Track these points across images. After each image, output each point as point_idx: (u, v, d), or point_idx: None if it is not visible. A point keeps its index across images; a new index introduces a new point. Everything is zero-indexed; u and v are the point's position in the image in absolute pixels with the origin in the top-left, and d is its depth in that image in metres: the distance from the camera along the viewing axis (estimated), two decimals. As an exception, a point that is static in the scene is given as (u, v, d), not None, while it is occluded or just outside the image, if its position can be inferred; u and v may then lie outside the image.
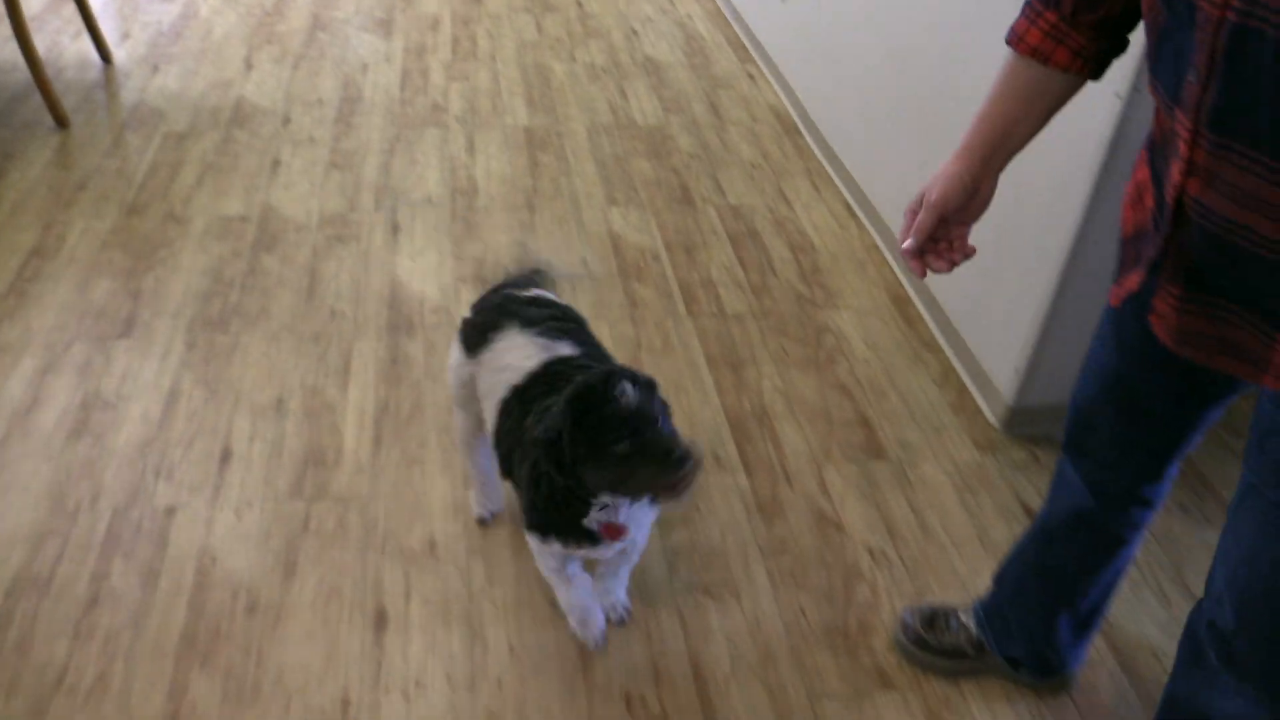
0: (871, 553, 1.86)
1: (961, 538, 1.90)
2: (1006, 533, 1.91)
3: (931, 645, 1.65)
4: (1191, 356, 1.07)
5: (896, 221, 2.59)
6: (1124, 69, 1.64)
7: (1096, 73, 1.13)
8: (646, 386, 1.28)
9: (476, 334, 1.60)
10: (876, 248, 2.68)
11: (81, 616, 1.66)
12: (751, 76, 3.57)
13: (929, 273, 1.19)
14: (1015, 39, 1.12)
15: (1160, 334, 1.09)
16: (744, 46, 3.81)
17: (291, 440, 2.00)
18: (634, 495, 1.32)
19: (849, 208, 2.84)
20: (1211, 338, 1.04)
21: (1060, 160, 1.86)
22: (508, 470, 1.52)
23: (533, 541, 1.50)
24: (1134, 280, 1.09)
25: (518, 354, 1.52)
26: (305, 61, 3.42)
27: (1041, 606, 1.54)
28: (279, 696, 1.56)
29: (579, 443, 1.26)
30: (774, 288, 2.51)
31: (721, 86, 3.48)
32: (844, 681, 1.64)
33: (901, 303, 2.49)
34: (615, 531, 1.40)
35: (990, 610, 1.62)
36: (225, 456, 1.95)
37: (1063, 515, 1.45)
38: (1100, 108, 1.73)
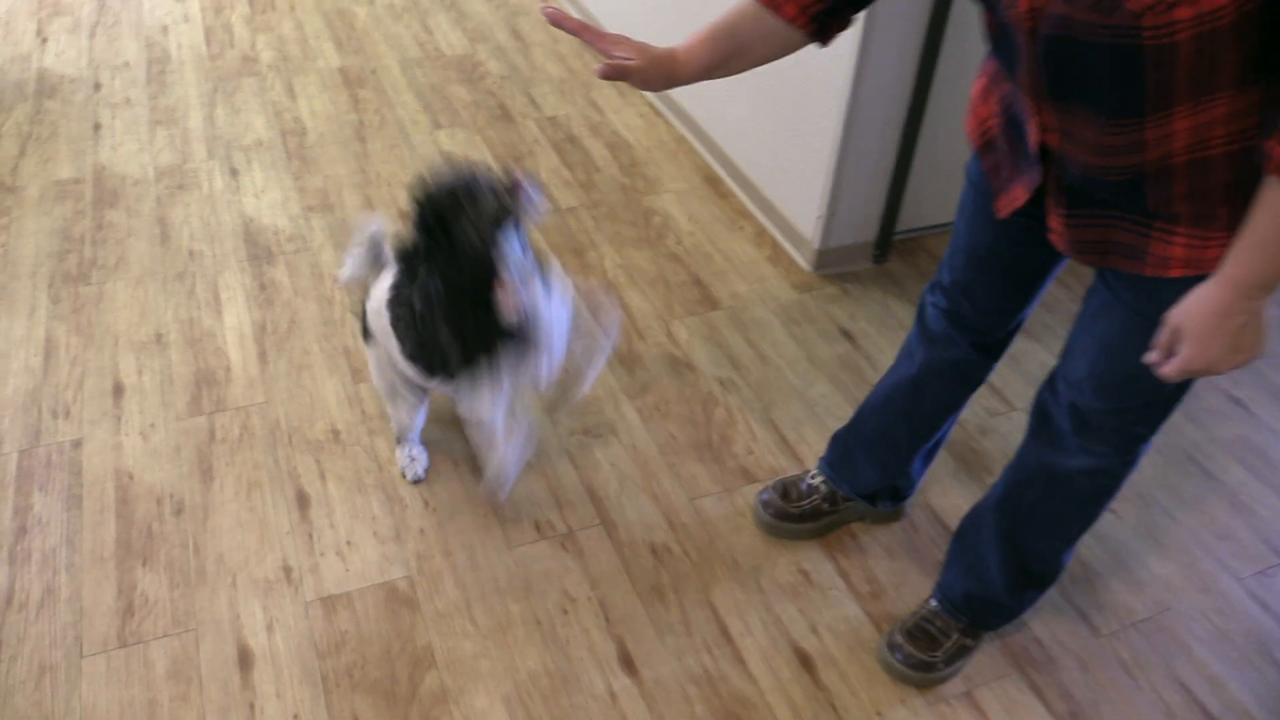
0: (721, 382, 2.16)
1: (792, 358, 2.23)
2: (828, 351, 2.25)
3: (792, 514, 1.83)
4: (1085, 262, 1.23)
5: (699, 116, 2.88)
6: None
7: (822, 38, 1.23)
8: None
9: (363, 323, 1.80)
10: (684, 139, 2.97)
11: (14, 544, 1.76)
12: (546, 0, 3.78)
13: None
14: None
15: (1059, 246, 1.25)
16: (533, -25, 4.00)
17: (179, 367, 2.12)
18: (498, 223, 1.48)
19: (653, 107, 3.11)
20: (1100, 243, 1.20)
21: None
22: (428, 358, 1.65)
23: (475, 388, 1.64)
24: (1019, 198, 1.25)
25: (381, 285, 1.71)
26: (101, 29, 3.40)
27: (904, 445, 1.73)
28: (224, 574, 1.73)
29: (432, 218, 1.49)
30: (600, 183, 2.76)
31: (519, 14, 3.68)
32: (715, 482, 1.94)
33: (713, 181, 2.79)
34: (515, 302, 1.50)
35: (836, 462, 1.82)
36: (118, 390, 2.06)
37: (938, 365, 1.60)
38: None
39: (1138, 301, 1.21)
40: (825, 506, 1.83)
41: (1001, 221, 1.35)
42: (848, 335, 2.30)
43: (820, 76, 2.27)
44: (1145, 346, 1.18)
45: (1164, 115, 1.01)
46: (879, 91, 2.22)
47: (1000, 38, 1.12)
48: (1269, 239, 0.99)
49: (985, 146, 1.32)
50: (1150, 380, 1.21)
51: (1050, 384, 1.41)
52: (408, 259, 1.60)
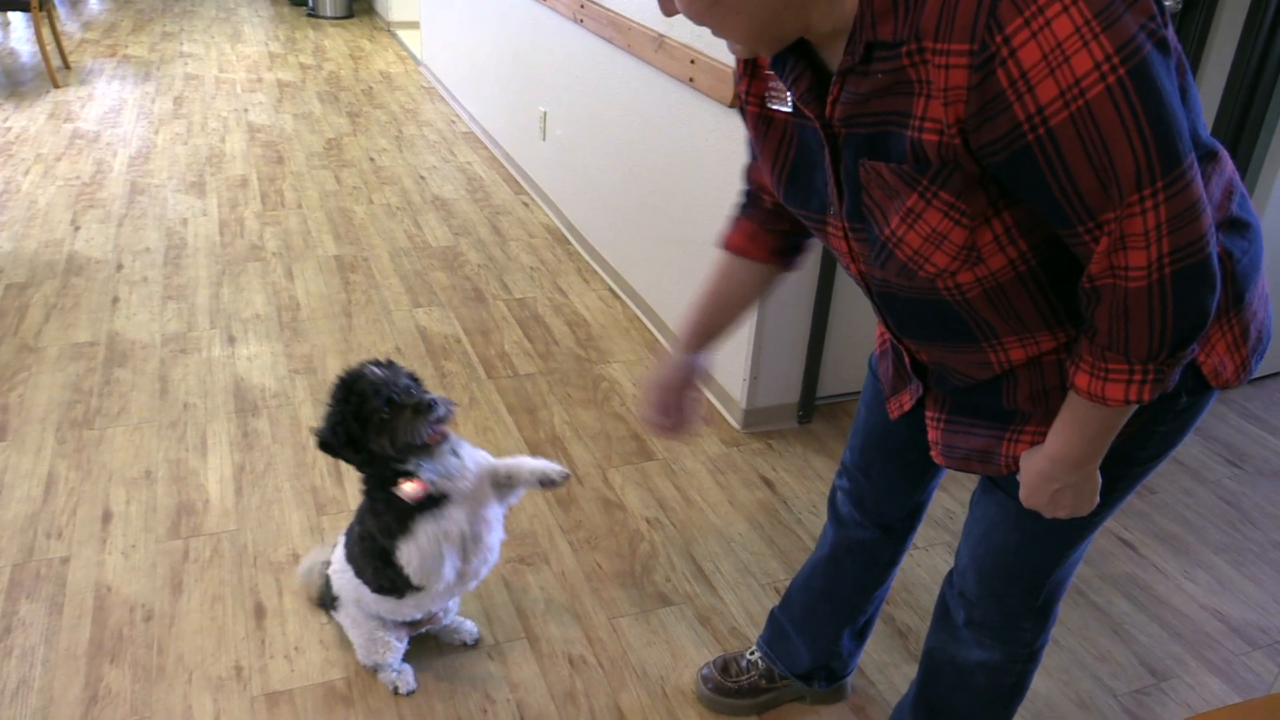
0: (648, 521, 2.40)
1: (715, 502, 2.47)
2: (749, 496, 2.50)
3: (730, 689, 1.88)
4: (955, 468, 1.34)
5: (650, 299, 3.24)
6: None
7: (789, 267, 1.43)
8: (388, 365, 1.68)
9: (328, 599, 1.98)
10: (637, 318, 3.32)
11: (-2, 642, 1.97)
12: (525, 204, 4.25)
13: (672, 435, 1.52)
14: (723, 243, 1.43)
15: (935, 456, 1.35)
16: (517, 181, 4.50)
17: (163, 499, 2.37)
18: (410, 442, 1.63)
19: (613, 291, 3.49)
20: (965, 451, 1.31)
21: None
22: (392, 578, 1.78)
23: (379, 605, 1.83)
24: (906, 403, 1.39)
25: (338, 551, 1.92)
26: (129, 220, 3.84)
27: (830, 624, 1.78)
28: (181, 672, 1.93)
29: (351, 419, 1.62)
30: (557, 354, 3.09)
31: (501, 213, 4.13)
32: (634, 605, 2.15)
33: (659, 352, 3.11)
34: (420, 489, 1.66)
35: (773, 641, 1.88)
36: (106, 517, 2.31)
37: (846, 545, 1.68)
38: (762, 174, 2.45)
39: (1010, 489, 1.31)
40: (763, 683, 1.89)
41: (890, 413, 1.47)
42: (768, 483, 2.55)
43: (741, 258, 2.63)
44: (1018, 533, 1.31)
45: (995, 343, 1.15)
46: (792, 281, 2.57)
47: (873, 298, 1.27)
48: (1073, 430, 1.11)
49: (882, 354, 1.47)
50: (1025, 569, 1.34)
51: (949, 574, 1.51)
52: (326, 445, 1.71)
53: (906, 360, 1.34)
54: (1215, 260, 0.96)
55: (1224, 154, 1.14)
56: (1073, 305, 1.09)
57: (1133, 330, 0.98)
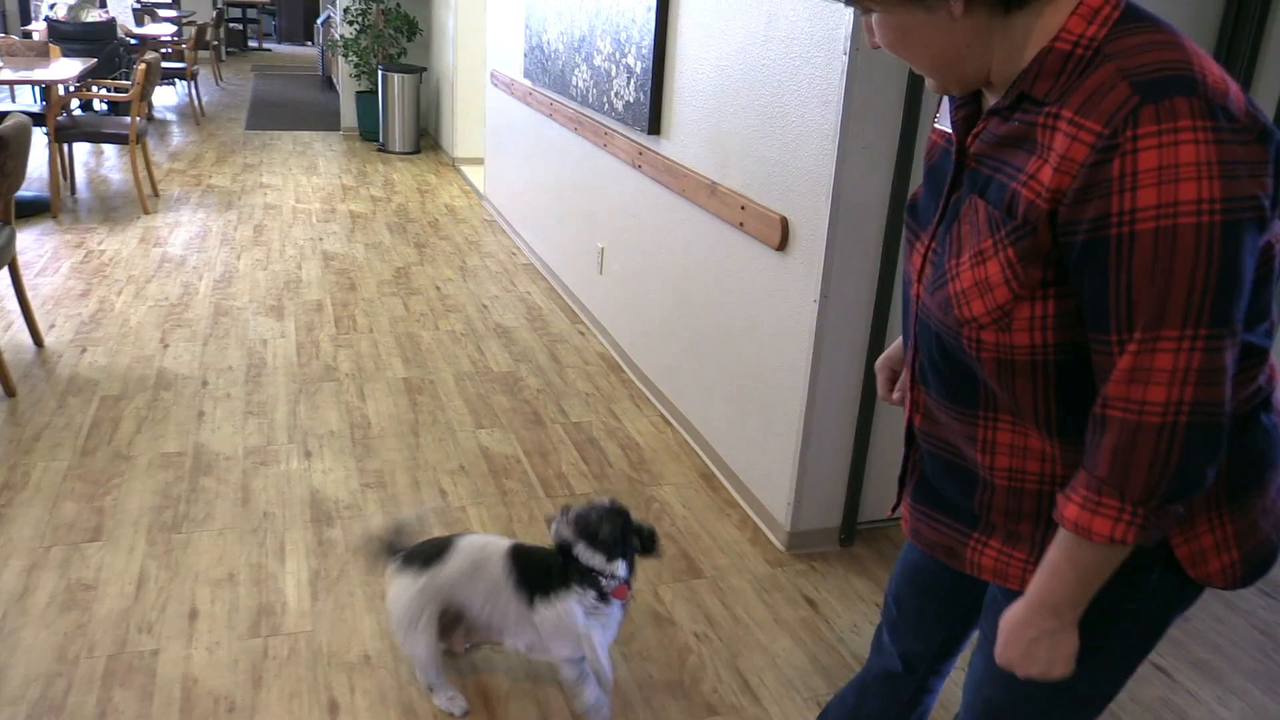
0: (697, 635, 2.53)
1: (760, 619, 2.60)
2: (792, 614, 2.63)
3: None
4: (925, 550, 1.38)
5: (699, 425, 3.43)
6: (817, 282, 2.58)
7: None
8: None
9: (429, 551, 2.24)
10: (687, 443, 3.50)
11: (94, 727, 2.13)
12: (581, 333, 4.50)
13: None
14: None
15: (905, 530, 1.40)
16: (574, 311, 4.77)
17: (245, 600, 2.55)
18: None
19: (664, 418, 3.68)
20: (932, 541, 1.35)
21: (789, 351, 2.76)
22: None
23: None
24: (905, 501, 1.42)
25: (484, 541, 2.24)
26: (213, 339, 4.13)
27: None
28: (262, 761, 2.07)
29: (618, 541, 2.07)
30: (610, 475, 3.27)
31: (558, 341, 4.37)
32: (683, 713, 2.27)
33: (708, 477, 3.28)
34: (624, 590, 2.10)
35: None
36: (193, 614, 2.49)
37: (876, 672, 1.70)
38: (806, 312, 2.66)
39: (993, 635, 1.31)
40: None
41: None
42: (811, 602, 2.68)
43: (783, 392, 2.82)
44: (1001, 680, 1.31)
45: (991, 416, 1.18)
46: (833, 395, 2.75)
47: (905, 316, 1.34)
48: (1055, 572, 1.12)
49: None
50: (1007, 714, 1.35)
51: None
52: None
53: (905, 426, 1.38)
54: (1225, 435, 1.01)
55: (1276, 364, 1.19)
56: (1065, 417, 1.13)
57: (1135, 466, 1.01)
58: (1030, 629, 1.16)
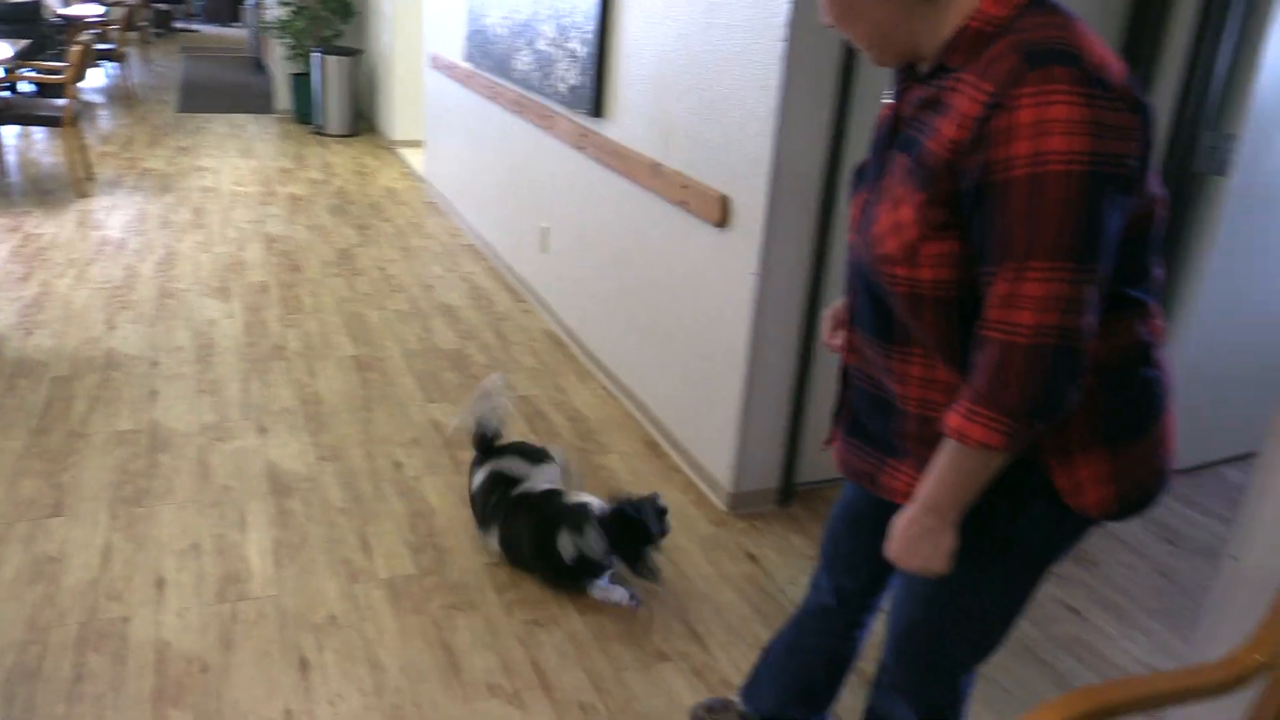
0: (647, 590, 2.68)
1: (706, 575, 2.76)
2: (736, 569, 2.79)
3: None
4: (846, 477, 1.57)
5: (643, 396, 3.57)
6: (755, 256, 2.74)
7: None
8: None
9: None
10: (631, 414, 3.65)
11: (70, 688, 2.21)
12: (525, 310, 4.62)
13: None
14: None
15: (836, 465, 1.56)
16: (517, 290, 4.88)
17: (210, 568, 2.64)
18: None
19: (608, 391, 3.82)
20: (856, 469, 1.52)
21: (729, 323, 2.92)
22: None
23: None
24: (837, 436, 1.58)
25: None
26: (160, 320, 4.17)
27: (794, 679, 1.95)
28: (237, 714, 2.17)
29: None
30: (559, 445, 3.40)
31: (503, 319, 4.48)
32: (636, 660, 2.42)
33: (652, 445, 3.43)
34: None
35: (750, 691, 2.07)
36: (160, 583, 2.57)
37: (811, 609, 1.86)
38: (745, 285, 2.81)
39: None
40: None
41: None
42: (752, 558, 2.85)
43: (723, 359, 2.98)
44: (917, 599, 1.53)
45: (905, 350, 1.34)
46: (770, 363, 2.92)
47: (847, 267, 1.48)
48: (938, 476, 1.30)
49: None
50: (929, 643, 1.54)
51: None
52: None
53: (840, 366, 1.56)
54: (1084, 360, 1.17)
55: (1156, 311, 1.34)
56: (966, 351, 1.27)
57: (1006, 381, 1.17)
58: (915, 526, 1.33)
